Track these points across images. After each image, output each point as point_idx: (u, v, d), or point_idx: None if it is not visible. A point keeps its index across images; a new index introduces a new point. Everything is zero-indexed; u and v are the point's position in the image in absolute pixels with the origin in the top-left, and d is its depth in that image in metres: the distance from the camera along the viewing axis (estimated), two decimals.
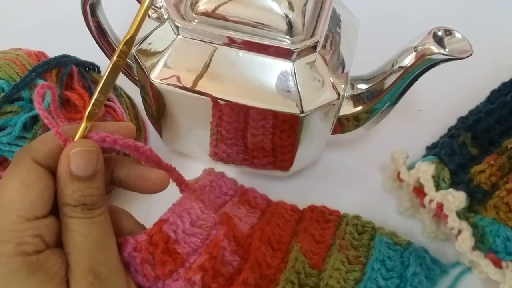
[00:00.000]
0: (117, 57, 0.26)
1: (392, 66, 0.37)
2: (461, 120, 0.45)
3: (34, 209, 0.24)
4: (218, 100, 0.35)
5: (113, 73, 0.26)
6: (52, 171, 0.25)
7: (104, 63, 0.45)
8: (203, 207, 0.32)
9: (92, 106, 0.26)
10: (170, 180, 0.30)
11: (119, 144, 0.26)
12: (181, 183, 0.32)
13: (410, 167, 0.40)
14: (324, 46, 0.36)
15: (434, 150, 0.41)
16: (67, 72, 0.42)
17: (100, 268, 0.25)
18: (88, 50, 0.44)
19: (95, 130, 0.26)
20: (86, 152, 0.25)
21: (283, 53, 0.34)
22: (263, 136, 0.38)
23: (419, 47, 0.35)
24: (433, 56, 0.35)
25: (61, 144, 0.25)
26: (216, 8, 0.35)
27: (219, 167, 0.44)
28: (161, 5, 0.37)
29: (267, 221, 0.37)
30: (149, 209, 0.43)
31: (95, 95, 0.27)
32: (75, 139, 0.26)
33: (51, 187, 0.25)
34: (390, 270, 0.36)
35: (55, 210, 0.25)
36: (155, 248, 0.28)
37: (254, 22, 0.35)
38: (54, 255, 0.25)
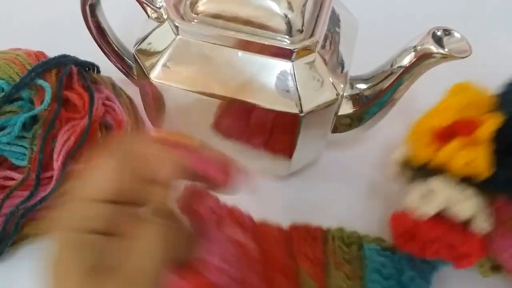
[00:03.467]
0: None
1: (392, 65, 0.38)
2: None
3: (106, 193, 0.24)
4: (218, 100, 0.35)
5: None
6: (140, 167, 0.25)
7: (104, 63, 0.46)
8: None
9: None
10: None
11: (207, 171, 0.25)
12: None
13: None
14: (323, 46, 0.37)
15: None
16: (67, 72, 0.42)
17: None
18: (87, 50, 0.44)
19: (193, 149, 0.26)
20: (167, 163, 0.24)
21: (283, 53, 0.34)
22: (262, 136, 0.38)
23: (418, 47, 0.35)
24: (432, 56, 0.35)
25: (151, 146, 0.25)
26: (215, 8, 0.35)
27: None
28: (161, 5, 0.37)
29: (268, 247, 0.36)
30: None
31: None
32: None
33: (130, 180, 0.24)
34: (388, 279, 0.36)
35: None
36: None
37: (254, 22, 0.35)
38: (108, 242, 0.24)
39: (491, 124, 0.32)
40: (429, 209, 0.34)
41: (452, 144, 0.32)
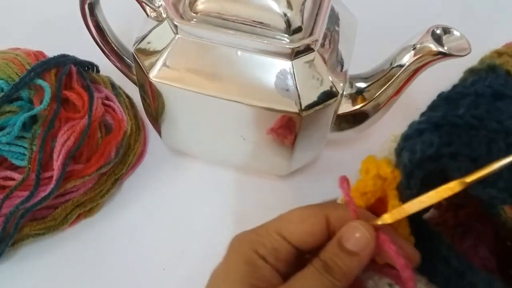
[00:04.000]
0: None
1: (391, 64, 0.37)
2: None
3: (291, 233, 0.26)
4: (217, 99, 0.35)
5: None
6: (332, 230, 0.27)
7: (103, 63, 0.46)
8: None
9: (396, 214, 0.26)
10: None
11: (393, 258, 0.25)
12: None
13: None
14: (322, 45, 0.36)
15: None
16: (66, 71, 0.42)
17: None
18: (87, 49, 0.44)
19: (385, 231, 0.26)
20: (360, 231, 0.25)
21: (282, 52, 0.34)
22: (262, 135, 0.38)
23: (418, 45, 0.35)
24: (432, 54, 0.35)
25: (352, 217, 0.26)
26: (214, 7, 0.35)
27: (218, 168, 0.44)
28: (160, 4, 0.37)
29: None
30: (153, 207, 0.43)
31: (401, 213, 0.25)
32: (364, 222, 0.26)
33: (319, 234, 0.26)
34: None
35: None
36: None
37: (253, 21, 0.35)
38: (272, 273, 0.25)
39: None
40: None
41: None
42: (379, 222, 0.26)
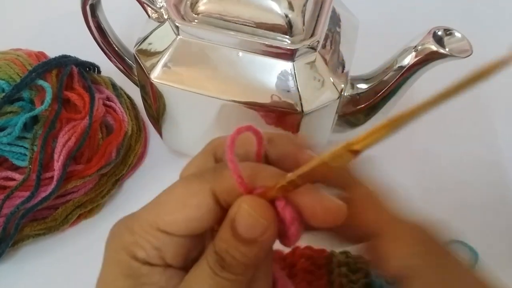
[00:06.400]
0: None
1: (392, 65, 0.37)
2: None
3: (172, 225, 0.21)
4: (218, 100, 0.35)
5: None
6: (223, 207, 0.21)
7: (104, 63, 0.46)
8: None
9: (287, 183, 0.20)
10: None
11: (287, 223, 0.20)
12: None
13: None
14: (324, 46, 0.36)
15: None
16: (67, 72, 0.42)
17: None
18: (88, 50, 0.44)
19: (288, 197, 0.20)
20: (253, 217, 0.20)
21: (283, 53, 0.34)
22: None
23: (419, 47, 0.35)
24: (433, 56, 0.35)
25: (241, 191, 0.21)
26: (216, 8, 0.35)
27: None
28: (161, 5, 0.37)
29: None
30: None
31: (291, 177, 0.19)
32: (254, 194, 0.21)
33: (207, 215, 0.21)
34: None
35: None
36: None
37: (254, 22, 0.35)
38: (164, 274, 0.21)
39: None
40: None
41: None
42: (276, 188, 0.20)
